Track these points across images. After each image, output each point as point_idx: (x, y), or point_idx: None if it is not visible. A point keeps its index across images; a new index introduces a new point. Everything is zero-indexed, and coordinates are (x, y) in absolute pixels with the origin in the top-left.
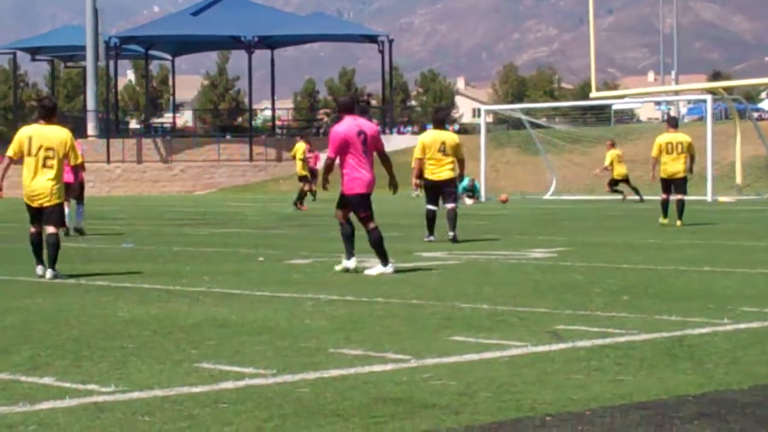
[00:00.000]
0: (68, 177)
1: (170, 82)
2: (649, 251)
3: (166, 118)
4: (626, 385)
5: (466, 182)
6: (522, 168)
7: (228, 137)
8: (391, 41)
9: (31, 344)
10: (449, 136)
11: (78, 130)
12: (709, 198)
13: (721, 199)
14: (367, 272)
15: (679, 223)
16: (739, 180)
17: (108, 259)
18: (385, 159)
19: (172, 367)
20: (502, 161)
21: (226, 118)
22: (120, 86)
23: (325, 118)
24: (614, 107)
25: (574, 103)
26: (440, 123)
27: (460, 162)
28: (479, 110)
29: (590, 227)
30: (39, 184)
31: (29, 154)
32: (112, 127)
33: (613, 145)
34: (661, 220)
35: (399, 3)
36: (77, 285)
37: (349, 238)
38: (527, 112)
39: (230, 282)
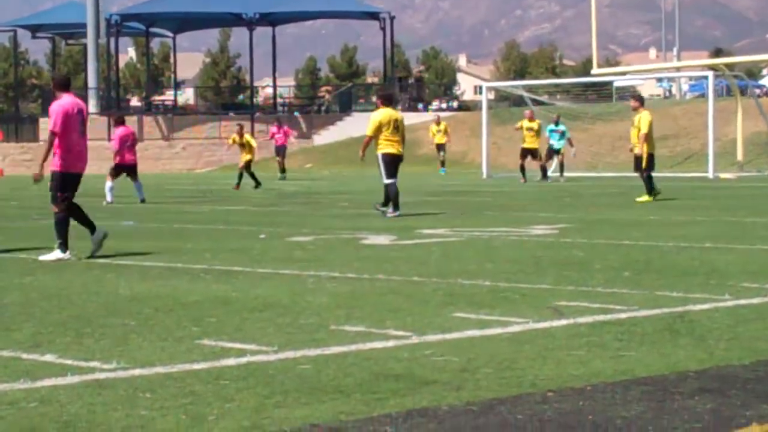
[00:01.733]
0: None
1: (171, 60)
2: (650, 228)
3: (168, 96)
4: (627, 360)
5: None
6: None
7: (229, 115)
8: (392, 18)
9: (33, 322)
10: (399, 115)
11: None
12: (710, 175)
13: (723, 175)
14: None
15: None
16: (740, 157)
17: (110, 236)
18: None
19: (173, 344)
20: (504, 138)
21: (227, 96)
22: (121, 64)
23: (327, 96)
24: (616, 84)
25: (575, 80)
26: (390, 101)
27: (403, 139)
28: (481, 87)
29: (591, 204)
30: None
31: None
32: (113, 105)
33: None
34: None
35: None
36: (78, 262)
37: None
38: (529, 89)
39: (232, 259)
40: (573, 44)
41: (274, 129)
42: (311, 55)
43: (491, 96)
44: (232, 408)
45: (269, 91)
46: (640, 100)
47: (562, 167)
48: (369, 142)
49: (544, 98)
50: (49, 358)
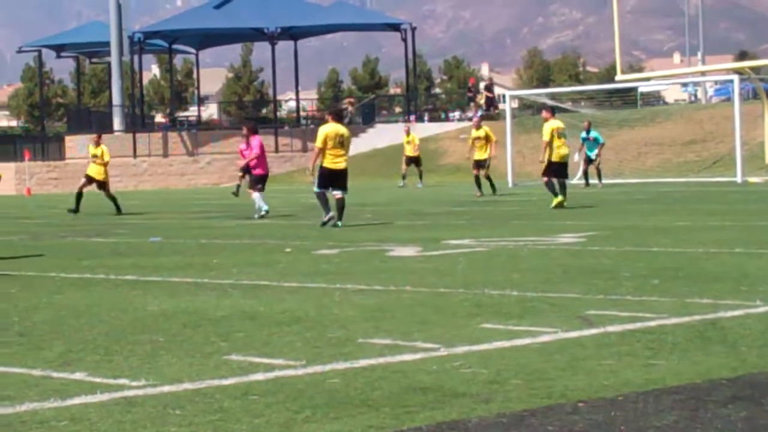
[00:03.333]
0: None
1: (195, 76)
2: (678, 234)
3: (192, 112)
4: (658, 369)
5: None
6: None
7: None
8: (413, 29)
9: (63, 340)
10: (345, 130)
11: (105, 125)
12: (738, 179)
13: (751, 179)
14: None
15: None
16: None
17: (136, 253)
18: None
19: (201, 360)
20: (528, 146)
21: (250, 110)
22: (145, 81)
23: (350, 108)
24: (640, 90)
25: (599, 86)
26: (338, 117)
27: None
28: (504, 96)
29: (618, 211)
30: None
31: None
32: (138, 122)
33: None
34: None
35: None
36: (107, 280)
37: None
38: (553, 96)
39: (258, 273)
40: (596, 51)
41: (242, 146)
42: (333, 68)
43: (515, 104)
44: (261, 423)
45: (292, 104)
46: (551, 110)
47: (599, 174)
48: (318, 154)
49: (568, 105)
50: (78, 376)
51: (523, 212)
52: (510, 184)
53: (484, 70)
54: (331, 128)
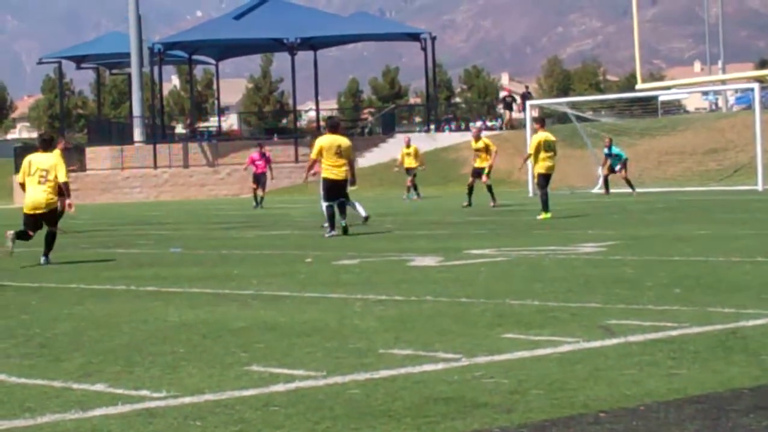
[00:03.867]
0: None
1: (215, 86)
2: (700, 243)
3: (212, 122)
4: (680, 379)
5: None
6: (568, 162)
7: (273, 139)
8: (433, 38)
9: (83, 351)
10: (343, 140)
11: (125, 136)
12: (759, 188)
13: None
14: None
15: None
16: None
17: (157, 264)
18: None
19: (222, 371)
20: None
21: (270, 120)
22: (165, 92)
23: (370, 118)
24: (661, 98)
25: (620, 95)
26: (334, 128)
27: (350, 163)
28: (524, 105)
29: (640, 220)
30: None
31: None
32: (158, 133)
33: None
34: (546, 215)
35: (441, 0)
36: (127, 291)
37: None
38: (573, 105)
39: (279, 284)
40: (616, 59)
41: (255, 155)
42: (353, 78)
43: (535, 113)
44: None
45: (312, 114)
46: (541, 122)
47: (629, 184)
48: (312, 164)
49: (589, 114)
50: (99, 387)
51: (544, 222)
52: (530, 194)
53: (504, 79)
54: (327, 139)
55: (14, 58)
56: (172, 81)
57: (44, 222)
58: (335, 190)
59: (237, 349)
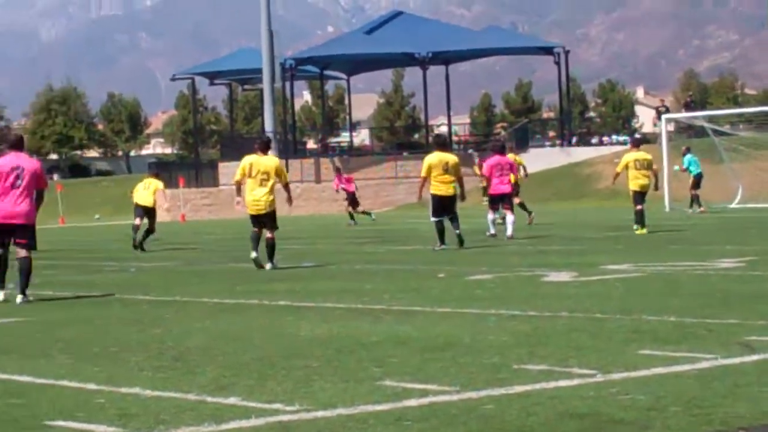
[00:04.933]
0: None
1: (346, 101)
2: None
3: (343, 137)
4: None
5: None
6: (706, 176)
7: (405, 154)
8: (567, 52)
9: (216, 364)
10: (451, 158)
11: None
12: None
13: None
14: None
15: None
16: None
17: (289, 278)
18: None
19: (355, 385)
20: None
21: (402, 135)
22: (297, 107)
23: (503, 132)
24: None
25: (759, 108)
26: (442, 146)
27: (459, 180)
28: (660, 119)
29: None
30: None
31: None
32: (290, 148)
33: None
34: (642, 230)
35: (575, 14)
36: (260, 305)
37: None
38: (710, 119)
39: (411, 299)
40: (754, 72)
41: (336, 180)
42: (486, 92)
43: (671, 127)
44: None
45: (444, 129)
46: (635, 142)
47: (693, 200)
48: (423, 182)
49: (726, 128)
50: (233, 400)
51: (681, 237)
52: (666, 208)
53: (639, 93)
54: (435, 157)
55: (149, 75)
56: (304, 96)
57: (264, 224)
58: (443, 206)
59: (370, 364)
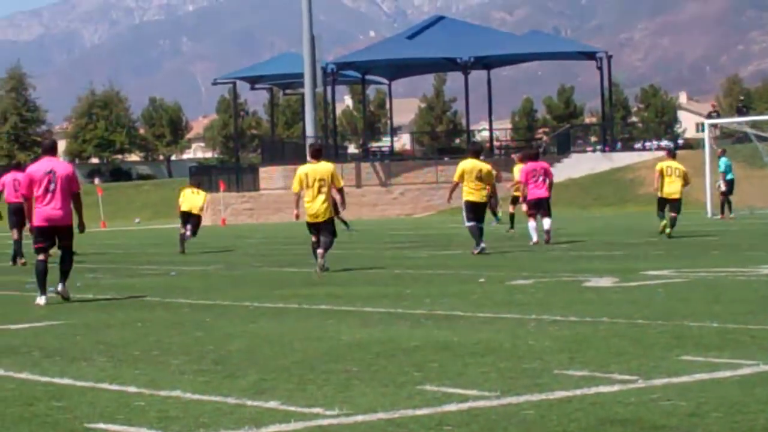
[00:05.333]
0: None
1: (387, 106)
2: None
3: (384, 142)
4: None
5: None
6: (749, 182)
7: (446, 159)
8: (609, 57)
9: (257, 368)
10: (484, 166)
11: (298, 156)
12: None
13: None
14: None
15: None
16: None
17: (330, 283)
18: None
19: (395, 389)
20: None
21: (443, 140)
22: (338, 112)
23: (545, 138)
24: None
25: None
26: (476, 154)
27: (492, 188)
28: (703, 125)
29: None
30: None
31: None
32: (331, 153)
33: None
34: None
35: (618, 18)
36: (300, 309)
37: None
38: (753, 124)
39: (452, 304)
40: None
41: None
42: (527, 97)
43: (717, 132)
44: None
45: (485, 134)
46: (668, 151)
47: (723, 205)
48: (455, 187)
49: None
50: (272, 404)
51: (723, 243)
52: (708, 215)
53: (683, 98)
54: (469, 163)
55: (190, 79)
56: (345, 101)
57: (320, 230)
58: (474, 211)
59: (410, 368)
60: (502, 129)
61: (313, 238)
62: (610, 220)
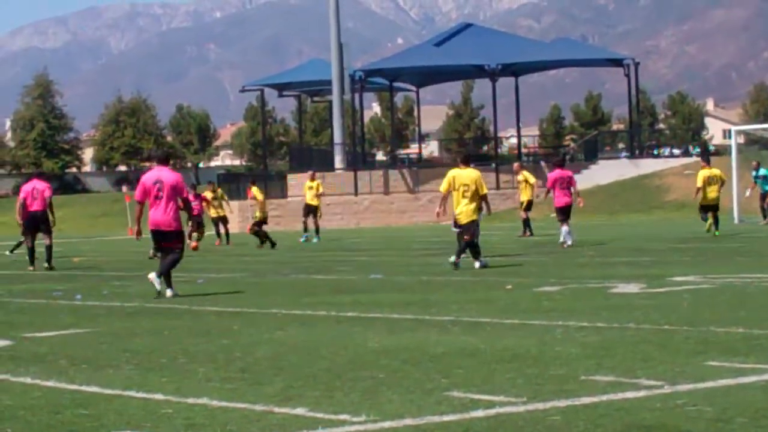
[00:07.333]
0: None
1: (415, 113)
2: None
3: (412, 149)
4: None
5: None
6: None
7: (473, 166)
8: (637, 64)
9: (283, 375)
10: (474, 174)
11: (326, 163)
12: None
13: None
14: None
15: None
16: None
17: (357, 290)
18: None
19: (422, 396)
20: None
21: (471, 147)
22: (366, 119)
23: (572, 144)
24: None
25: None
26: (467, 162)
27: (483, 196)
28: (730, 131)
29: None
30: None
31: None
32: (359, 160)
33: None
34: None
35: (645, 25)
36: (327, 316)
37: None
38: None
39: (479, 310)
40: None
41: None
42: (555, 104)
43: (741, 140)
44: None
45: (513, 141)
46: (707, 159)
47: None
48: (444, 197)
49: None
50: (299, 411)
51: (749, 249)
52: (735, 220)
53: (710, 105)
54: (456, 173)
55: (218, 87)
56: (373, 108)
57: (464, 232)
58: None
59: (437, 375)
60: (530, 136)
61: (465, 237)
62: (637, 227)
